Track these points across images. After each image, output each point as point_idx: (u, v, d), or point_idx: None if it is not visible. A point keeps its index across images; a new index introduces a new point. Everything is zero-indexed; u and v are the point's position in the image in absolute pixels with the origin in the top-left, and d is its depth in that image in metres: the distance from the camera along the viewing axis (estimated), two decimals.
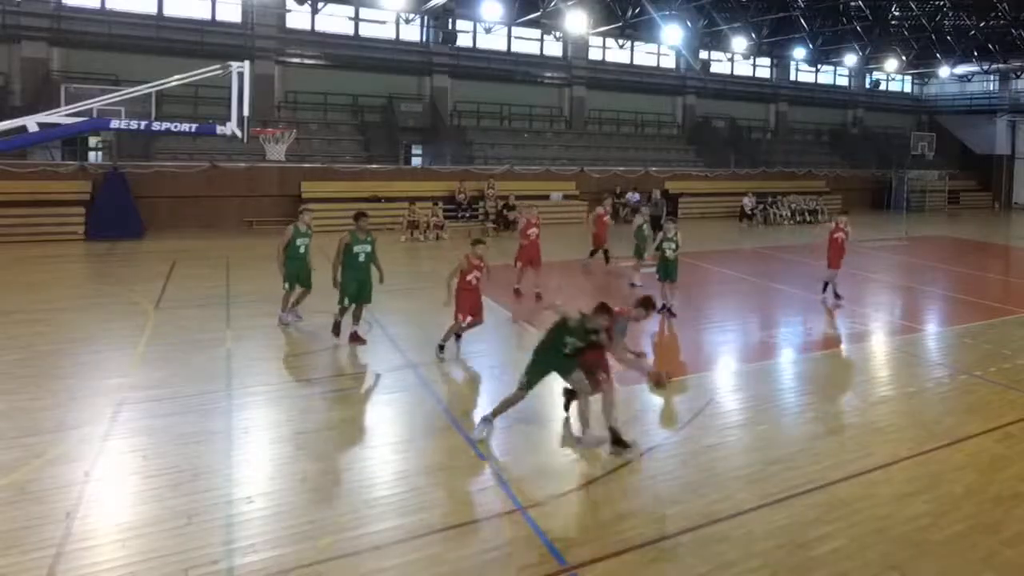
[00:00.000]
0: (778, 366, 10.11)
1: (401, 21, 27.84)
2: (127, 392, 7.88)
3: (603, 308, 6.79)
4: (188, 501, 5.58)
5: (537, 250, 13.50)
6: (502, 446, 6.88)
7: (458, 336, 9.75)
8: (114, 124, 12.87)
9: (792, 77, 38.99)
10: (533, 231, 13.40)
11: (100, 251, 17.62)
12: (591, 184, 28.39)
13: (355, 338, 9.97)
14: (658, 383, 7.16)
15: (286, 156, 15.14)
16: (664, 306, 11.98)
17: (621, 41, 32.24)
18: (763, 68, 38.05)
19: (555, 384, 8.98)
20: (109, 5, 23.11)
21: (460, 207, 24.82)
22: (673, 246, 12.25)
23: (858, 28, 33.96)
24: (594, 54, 32.34)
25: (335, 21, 26.94)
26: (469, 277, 9.46)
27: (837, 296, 13.54)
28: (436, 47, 28.35)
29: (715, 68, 35.48)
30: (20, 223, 18.44)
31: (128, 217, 19.75)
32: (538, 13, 26.80)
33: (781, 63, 37.72)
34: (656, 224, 21.07)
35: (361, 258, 9.92)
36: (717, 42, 32.60)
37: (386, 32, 27.88)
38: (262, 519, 5.42)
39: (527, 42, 30.85)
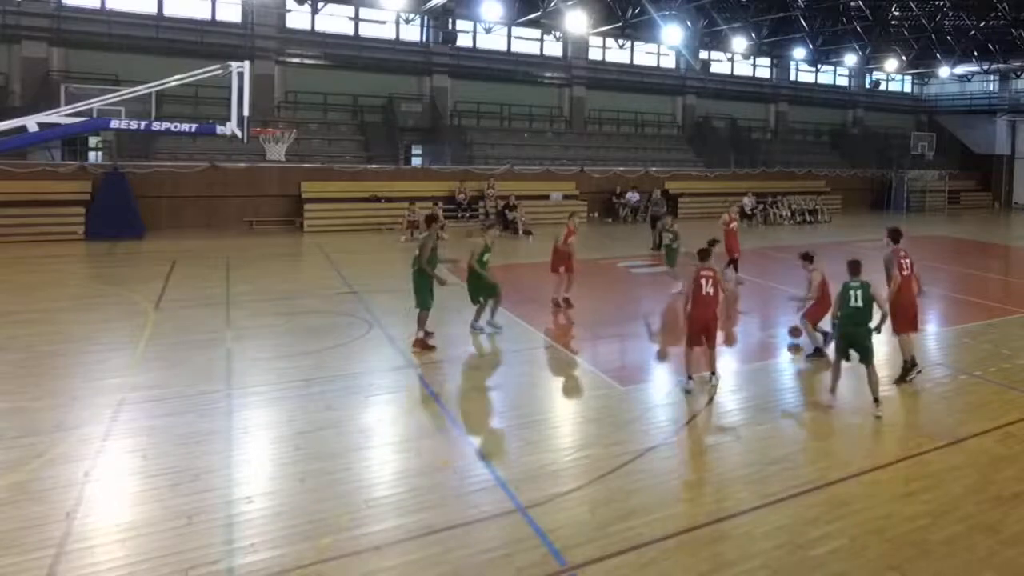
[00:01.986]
0: (778, 366, 10.10)
1: (401, 21, 27.84)
2: (127, 392, 7.87)
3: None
4: (188, 501, 5.58)
5: (571, 257, 12.81)
6: (502, 446, 6.89)
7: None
8: (114, 124, 12.91)
9: (792, 77, 38.99)
10: (573, 239, 12.78)
11: (100, 251, 17.61)
12: (591, 184, 28.42)
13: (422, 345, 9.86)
14: None
15: (286, 156, 15.18)
16: None
17: (621, 41, 32.24)
18: (763, 68, 38.04)
19: (553, 385, 9.03)
20: (109, 5, 23.11)
21: (460, 207, 24.82)
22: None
23: (858, 28, 33.95)
24: (594, 54, 32.33)
25: (335, 21, 26.94)
26: (704, 292, 8.49)
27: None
28: (436, 47, 28.34)
29: (715, 68, 35.47)
30: (20, 223, 18.42)
31: (128, 217, 19.72)
32: (538, 13, 26.80)
33: (781, 63, 37.72)
34: (655, 224, 21.13)
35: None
36: (717, 42, 32.58)
37: (386, 32, 27.88)
38: (262, 519, 5.42)
39: (527, 42, 30.84)
